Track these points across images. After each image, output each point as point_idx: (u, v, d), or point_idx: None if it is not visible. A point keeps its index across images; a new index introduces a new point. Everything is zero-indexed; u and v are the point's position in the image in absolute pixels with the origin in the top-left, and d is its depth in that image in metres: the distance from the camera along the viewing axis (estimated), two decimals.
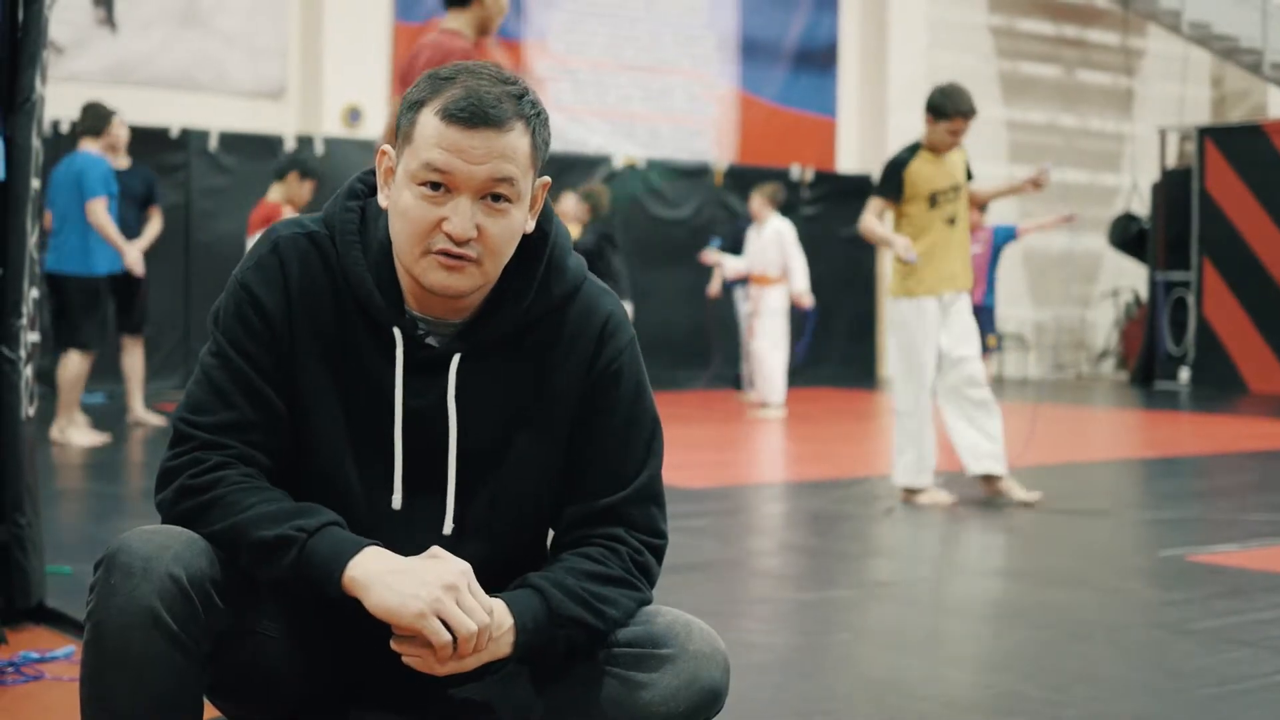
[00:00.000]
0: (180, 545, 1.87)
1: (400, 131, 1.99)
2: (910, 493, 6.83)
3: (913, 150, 6.85)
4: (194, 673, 1.87)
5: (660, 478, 2.11)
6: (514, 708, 2.03)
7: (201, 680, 1.89)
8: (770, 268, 11.59)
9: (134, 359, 9.52)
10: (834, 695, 3.52)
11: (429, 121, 1.94)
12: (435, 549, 1.92)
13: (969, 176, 6.99)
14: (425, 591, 1.83)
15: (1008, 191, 7.58)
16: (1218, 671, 3.68)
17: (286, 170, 9.46)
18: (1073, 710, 3.32)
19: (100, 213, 8.55)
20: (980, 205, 8.15)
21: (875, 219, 6.87)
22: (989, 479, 6.88)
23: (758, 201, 11.64)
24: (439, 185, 1.93)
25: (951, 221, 6.81)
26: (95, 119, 8.80)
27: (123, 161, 9.34)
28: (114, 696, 1.84)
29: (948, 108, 6.75)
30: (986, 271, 11.24)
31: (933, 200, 6.77)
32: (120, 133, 9.16)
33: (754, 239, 11.75)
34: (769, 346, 11.61)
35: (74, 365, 8.64)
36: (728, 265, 12.24)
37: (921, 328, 6.78)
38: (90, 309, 8.67)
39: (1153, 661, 3.86)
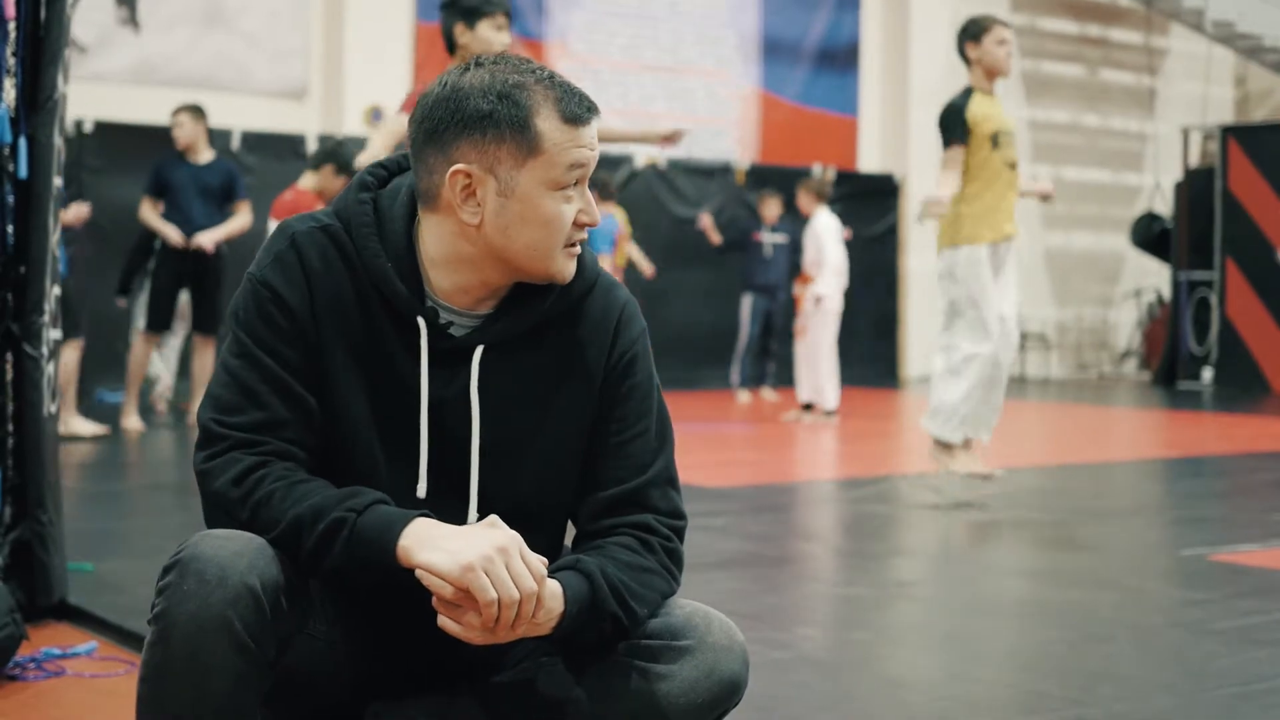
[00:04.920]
0: (254, 553, 1.86)
1: (511, 151, 1.96)
2: (945, 447, 6.46)
3: (967, 93, 6.56)
4: (257, 680, 1.85)
5: (674, 461, 2.14)
6: (539, 700, 2.04)
7: (263, 687, 1.88)
8: (809, 266, 11.45)
9: (204, 359, 9.31)
10: (854, 694, 3.52)
11: (553, 128, 1.97)
12: (493, 518, 1.92)
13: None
14: (475, 550, 1.84)
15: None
16: (1240, 671, 3.66)
17: (322, 162, 8.99)
18: (1094, 710, 3.31)
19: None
20: None
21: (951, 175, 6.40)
22: (947, 445, 6.57)
23: (802, 199, 11.50)
24: (576, 183, 2.01)
25: (1012, 166, 6.51)
26: None
27: (205, 155, 9.32)
28: (175, 699, 1.83)
29: (982, 21, 6.59)
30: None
31: (995, 140, 6.47)
32: (178, 133, 9.25)
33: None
34: (810, 346, 11.32)
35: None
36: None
37: (978, 276, 6.40)
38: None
39: (1174, 661, 3.85)
